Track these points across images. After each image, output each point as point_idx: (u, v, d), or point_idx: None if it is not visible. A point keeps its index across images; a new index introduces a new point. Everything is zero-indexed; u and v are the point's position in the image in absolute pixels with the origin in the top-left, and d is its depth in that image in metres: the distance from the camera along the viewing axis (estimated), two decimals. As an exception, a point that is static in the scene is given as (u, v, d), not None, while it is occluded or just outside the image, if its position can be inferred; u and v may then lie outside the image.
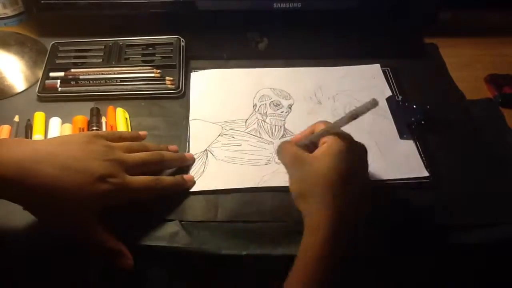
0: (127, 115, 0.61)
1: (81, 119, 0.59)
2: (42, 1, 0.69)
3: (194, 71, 0.68)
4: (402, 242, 0.50)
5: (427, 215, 0.52)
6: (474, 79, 0.69)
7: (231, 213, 0.52)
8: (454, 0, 0.75)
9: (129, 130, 0.59)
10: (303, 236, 0.45)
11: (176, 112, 0.62)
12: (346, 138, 0.47)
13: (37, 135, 0.57)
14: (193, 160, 0.56)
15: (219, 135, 0.60)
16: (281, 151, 0.50)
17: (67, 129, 0.59)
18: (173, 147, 0.56)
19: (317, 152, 0.47)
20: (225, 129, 0.60)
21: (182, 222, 0.51)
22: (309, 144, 0.50)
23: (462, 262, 0.53)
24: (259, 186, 0.54)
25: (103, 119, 0.60)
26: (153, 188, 0.49)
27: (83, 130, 0.58)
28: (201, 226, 0.51)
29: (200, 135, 0.59)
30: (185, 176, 0.53)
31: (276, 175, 0.55)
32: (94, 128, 0.58)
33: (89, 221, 0.46)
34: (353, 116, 0.47)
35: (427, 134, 0.60)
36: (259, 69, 0.68)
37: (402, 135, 0.60)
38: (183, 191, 0.53)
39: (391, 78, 0.68)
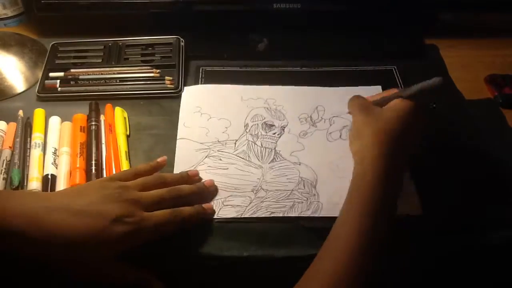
0: (125, 114, 0.61)
1: (81, 117, 0.59)
2: (42, 1, 0.69)
3: (187, 86, 0.65)
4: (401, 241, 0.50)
5: (425, 216, 0.52)
6: (474, 79, 0.69)
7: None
8: (454, 1, 0.75)
9: (127, 129, 0.59)
10: (353, 173, 0.49)
11: (175, 112, 0.62)
12: (413, 103, 0.52)
13: (37, 133, 0.57)
14: (215, 188, 0.53)
15: (206, 157, 0.56)
16: (354, 99, 0.56)
17: (67, 127, 0.59)
18: (193, 171, 0.53)
19: (385, 107, 0.53)
20: (213, 150, 0.57)
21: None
22: (379, 103, 0.54)
23: (460, 264, 0.53)
24: (243, 216, 0.51)
25: (102, 117, 0.60)
26: (172, 221, 0.47)
27: (83, 129, 0.58)
28: (202, 227, 0.50)
29: (186, 157, 0.56)
30: (204, 205, 0.51)
31: (262, 205, 0.52)
32: (93, 123, 0.58)
33: (110, 264, 0.44)
34: (423, 91, 0.51)
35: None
36: (255, 86, 0.65)
37: None
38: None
39: (398, 77, 0.68)
